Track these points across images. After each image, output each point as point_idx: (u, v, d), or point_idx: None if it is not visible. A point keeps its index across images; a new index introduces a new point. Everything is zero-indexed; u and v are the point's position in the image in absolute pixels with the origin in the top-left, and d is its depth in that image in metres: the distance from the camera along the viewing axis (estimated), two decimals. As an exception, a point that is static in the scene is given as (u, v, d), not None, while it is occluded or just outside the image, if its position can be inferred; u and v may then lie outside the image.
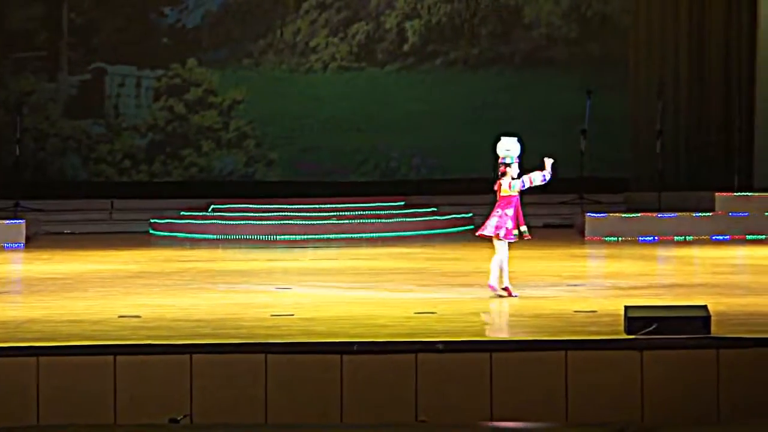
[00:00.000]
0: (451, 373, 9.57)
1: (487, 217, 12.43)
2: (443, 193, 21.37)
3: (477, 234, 12.51)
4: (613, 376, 9.56)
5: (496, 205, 12.36)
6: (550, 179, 12.30)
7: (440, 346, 9.67)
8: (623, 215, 19.08)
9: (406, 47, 22.54)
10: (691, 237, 18.64)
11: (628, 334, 9.85)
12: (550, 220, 20.25)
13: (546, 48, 22.45)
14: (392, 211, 20.49)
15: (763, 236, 18.55)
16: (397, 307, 11.91)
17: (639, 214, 18.92)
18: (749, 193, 19.44)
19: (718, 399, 9.57)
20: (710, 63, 21.33)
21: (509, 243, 12.31)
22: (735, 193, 19.43)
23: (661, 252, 17.42)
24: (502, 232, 12.23)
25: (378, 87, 22.50)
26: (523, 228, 12.31)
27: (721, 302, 11.66)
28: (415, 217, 20.32)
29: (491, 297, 12.29)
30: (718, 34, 21.36)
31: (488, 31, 22.52)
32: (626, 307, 10.05)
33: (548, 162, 12.28)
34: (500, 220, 12.25)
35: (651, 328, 9.76)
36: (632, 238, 18.62)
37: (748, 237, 18.57)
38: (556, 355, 9.60)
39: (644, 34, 21.71)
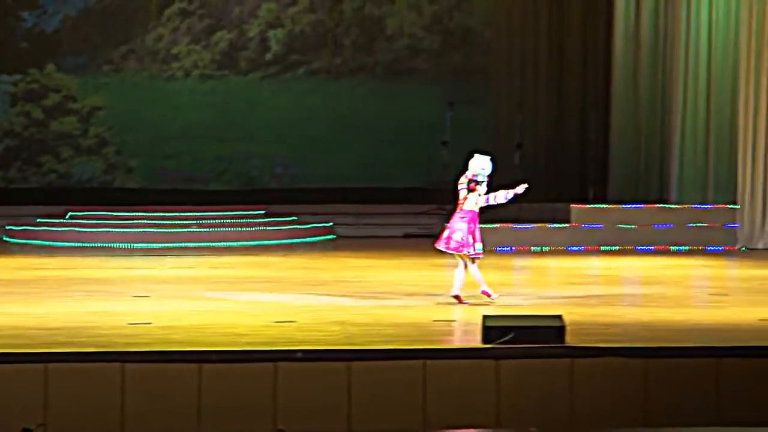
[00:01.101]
0: (310, 381, 9.59)
1: (445, 227, 12.72)
2: (305, 203, 21.36)
3: (438, 247, 12.70)
4: (470, 385, 9.69)
5: (457, 216, 12.73)
6: (512, 199, 12.78)
7: (300, 355, 9.69)
8: (481, 225, 19.25)
9: (269, 56, 22.51)
10: (548, 248, 18.96)
11: (485, 343, 9.99)
12: (411, 230, 20.40)
13: (409, 59, 22.62)
14: (253, 220, 20.43)
15: (617, 247, 18.94)
16: (257, 315, 11.90)
17: (497, 225, 19.15)
18: (603, 205, 19.83)
19: (572, 407, 9.75)
20: (568, 77, 21.73)
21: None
22: (589, 205, 19.81)
23: (518, 262, 17.68)
24: (468, 251, 12.61)
25: (240, 95, 22.42)
26: (479, 246, 12.74)
27: (576, 312, 11.89)
28: (276, 226, 20.29)
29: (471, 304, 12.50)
30: (576, 50, 21.78)
31: (351, 41, 22.61)
32: (484, 317, 10.20)
33: (521, 188, 12.62)
34: (465, 237, 12.60)
35: (507, 338, 9.91)
36: (490, 248, 18.81)
37: (602, 248, 18.94)
38: (415, 363, 9.69)
39: (505, 48, 22.02)
